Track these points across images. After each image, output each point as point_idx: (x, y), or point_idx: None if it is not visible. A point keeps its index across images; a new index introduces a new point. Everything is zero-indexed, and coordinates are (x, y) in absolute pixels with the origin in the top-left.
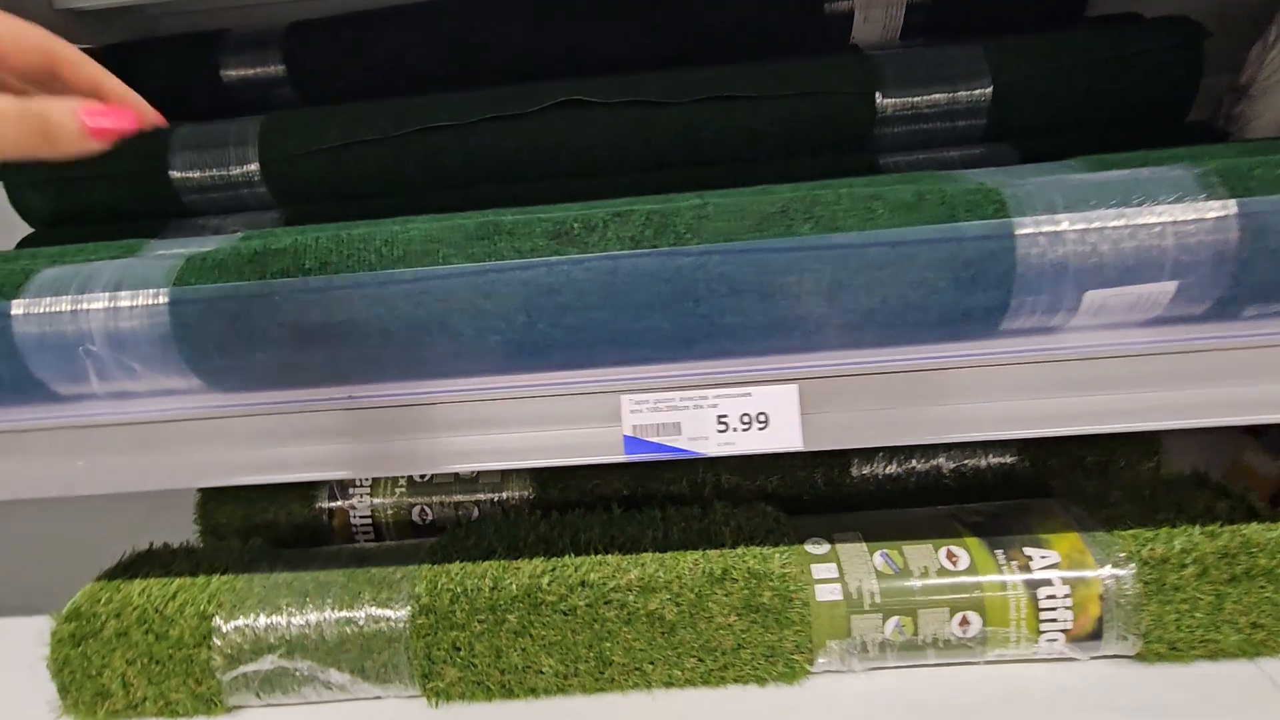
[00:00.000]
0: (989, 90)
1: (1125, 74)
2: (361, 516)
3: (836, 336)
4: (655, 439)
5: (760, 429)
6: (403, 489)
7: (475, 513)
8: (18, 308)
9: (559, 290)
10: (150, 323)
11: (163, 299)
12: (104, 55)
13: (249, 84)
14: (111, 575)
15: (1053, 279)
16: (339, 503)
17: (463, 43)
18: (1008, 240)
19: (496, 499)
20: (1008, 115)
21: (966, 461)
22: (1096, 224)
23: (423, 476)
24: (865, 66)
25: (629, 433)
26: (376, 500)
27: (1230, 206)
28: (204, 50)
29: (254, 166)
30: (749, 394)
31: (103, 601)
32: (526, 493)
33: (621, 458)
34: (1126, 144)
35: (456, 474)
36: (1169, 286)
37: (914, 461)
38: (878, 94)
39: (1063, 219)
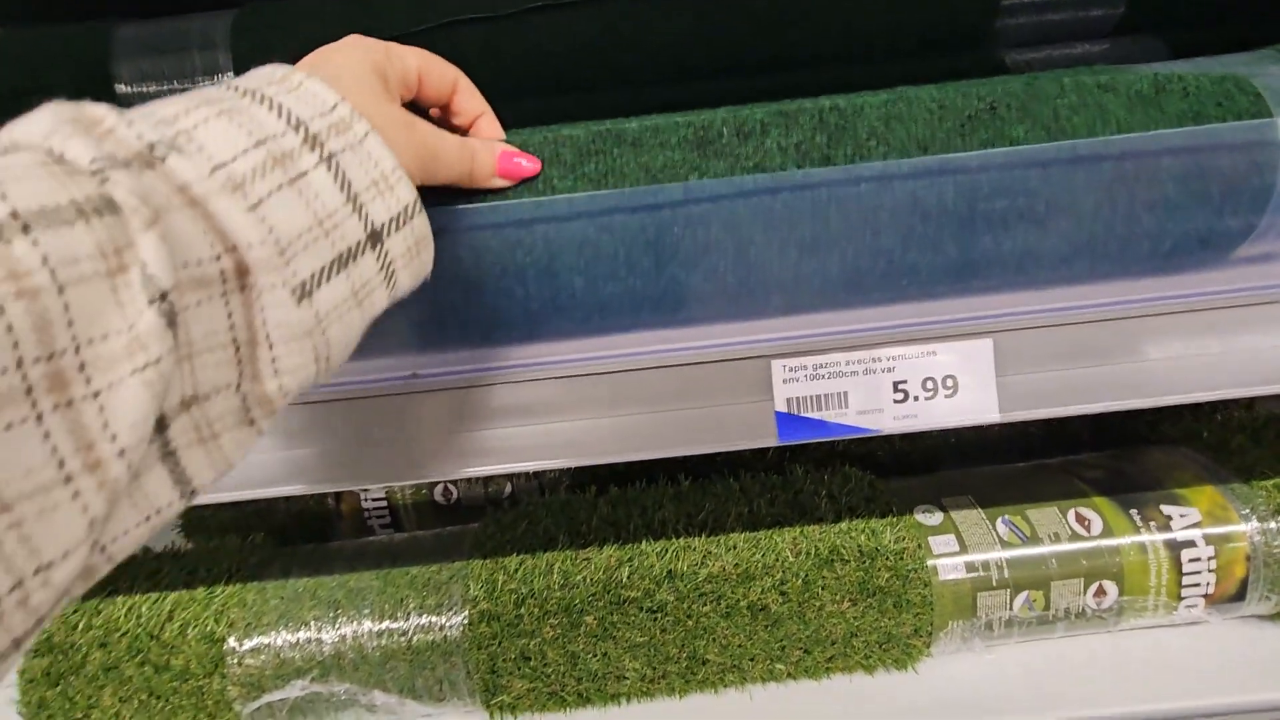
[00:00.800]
0: None
1: None
2: (375, 500)
3: (1043, 275)
4: (816, 414)
5: (948, 395)
6: None
7: (508, 489)
8: None
9: (704, 222)
10: None
11: None
12: None
13: None
14: (85, 593)
15: None
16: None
17: None
18: (1274, 146)
19: (532, 473)
20: (1150, 2)
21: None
22: None
23: None
24: None
25: (782, 408)
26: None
27: None
28: None
29: (227, 77)
30: (934, 352)
31: (80, 628)
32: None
33: (773, 442)
34: (1271, 38)
35: None
36: None
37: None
38: None
39: None
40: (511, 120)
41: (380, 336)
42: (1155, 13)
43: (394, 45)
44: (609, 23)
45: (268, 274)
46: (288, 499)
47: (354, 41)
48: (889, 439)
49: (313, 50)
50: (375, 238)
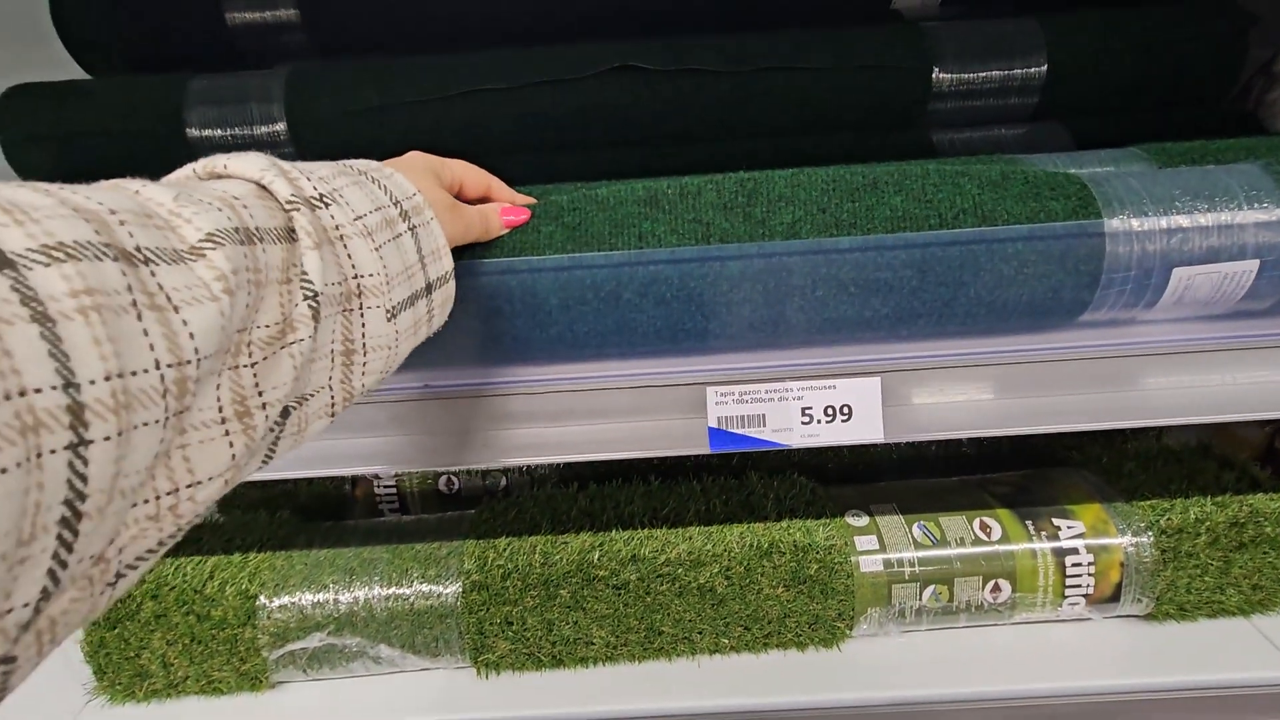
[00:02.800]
0: (1044, 68)
1: (1173, 56)
2: (386, 487)
3: (920, 328)
4: (740, 430)
5: (844, 421)
6: None
7: (503, 482)
8: None
9: (659, 281)
10: None
11: None
12: None
13: (255, 29)
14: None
15: (1139, 275)
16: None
17: None
18: (1098, 237)
19: (525, 468)
20: (1060, 94)
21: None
22: (1183, 221)
23: None
24: (923, 40)
25: (714, 425)
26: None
27: None
28: None
29: (280, 126)
30: (833, 386)
31: (130, 587)
32: (555, 463)
33: (705, 450)
34: (1170, 127)
35: None
36: (1252, 265)
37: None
38: (935, 69)
39: (1150, 216)
40: (516, 170)
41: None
42: (1062, 105)
43: (446, 160)
44: (601, 96)
45: (375, 297)
46: (310, 483)
47: (417, 154)
48: (838, 453)
49: (350, 103)
50: (429, 289)
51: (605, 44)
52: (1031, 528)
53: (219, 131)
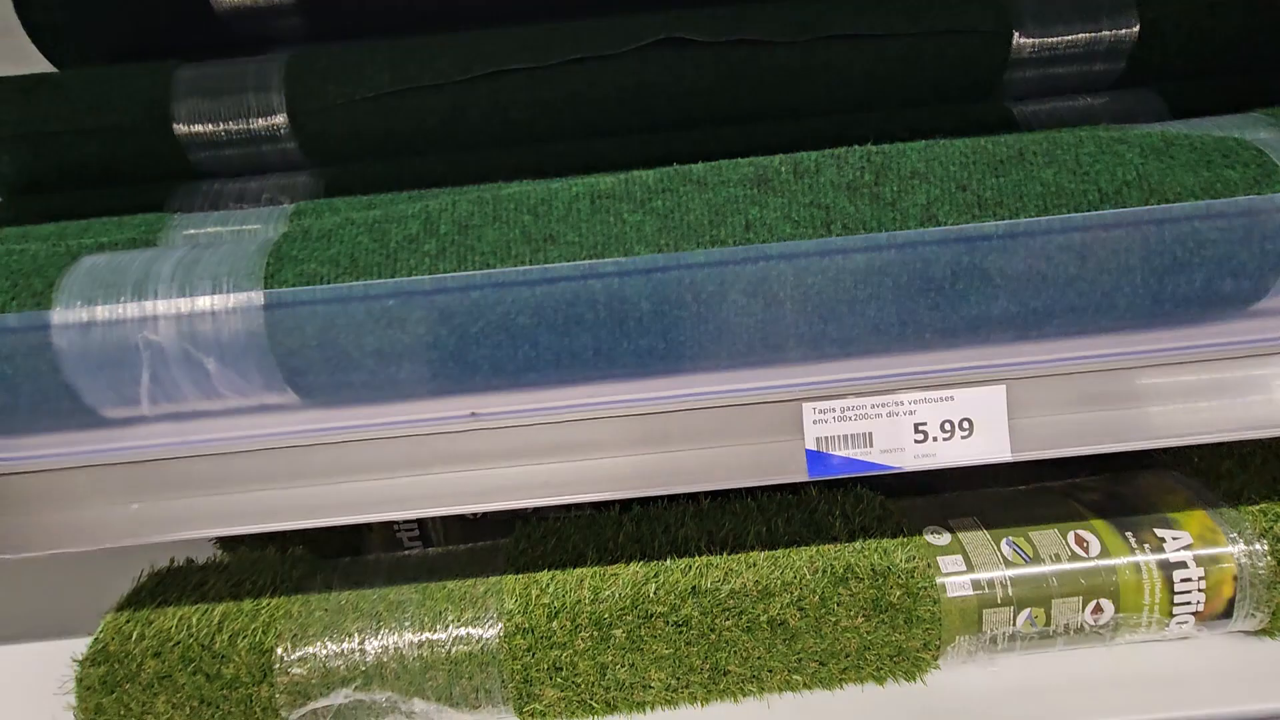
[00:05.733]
0: (1135, 29)
1: (1264, 12)
2: (408, 522)
3: (1071, 324)
4: (843, 453)
5: (964, 436)
6: None
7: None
8: (60, 315)
9: (771, 280)
10: (240, 330)
11: (258, 300)
12: None
13: (245, 13)
14: (134, 603)
15: None
16: None
17: None
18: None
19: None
20: (1153, 57)
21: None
22: None
23: None
24: (1001, 1)
25: (812, 446)
26: None
27: None
28: None
29: (280, 118)
30: (951, 397)
31: (134, 638)
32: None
33: (803, 478)
34: (1263, 91)
35: None
36: None
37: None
38: (1015, 33)
39: None
40: (548, 161)
41: (442, 380)
42: (1152, 69)
43: None
44: (641, 74)
45: None
46: None
47: None
48: None
49: (360, 89)
50: None
51: (645, 15)
52: (1132, 540)
53: (211, 126)
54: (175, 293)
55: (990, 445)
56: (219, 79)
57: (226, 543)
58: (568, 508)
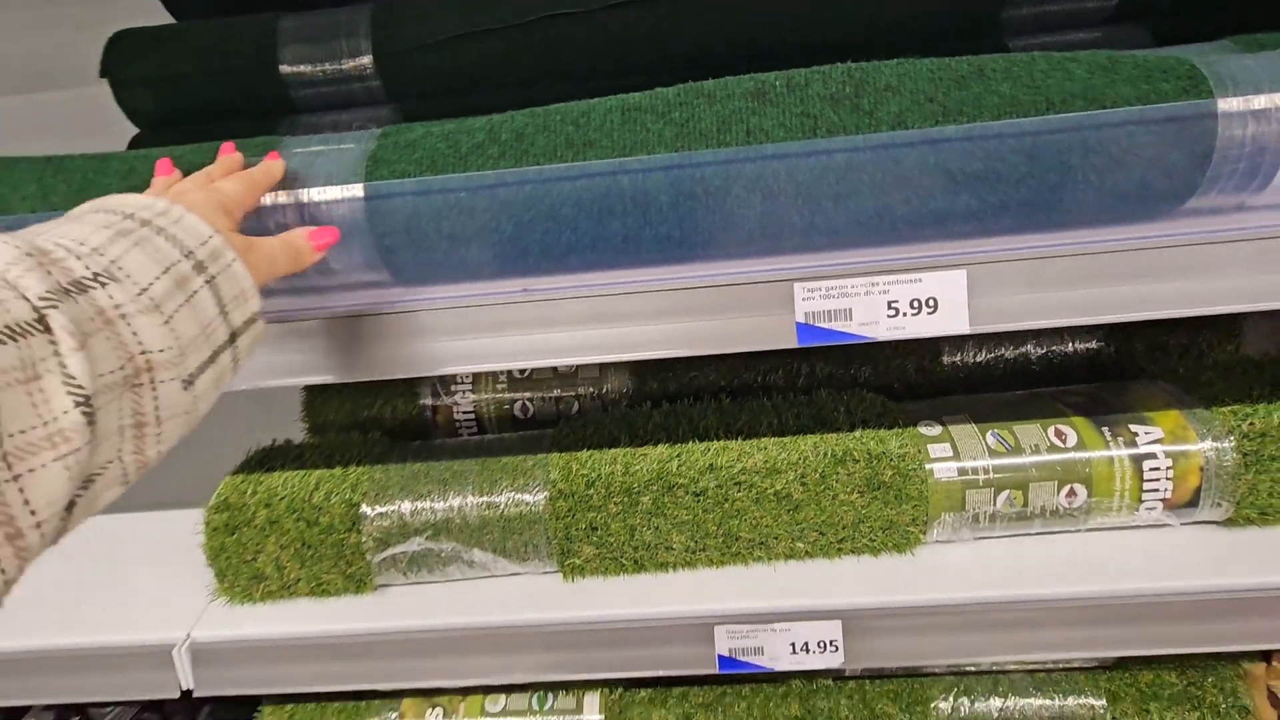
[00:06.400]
0: None
1: None
2: (465, 413)
3: (1023, 218)
4: (827, 325)
5: (930, 313)
6: (503, 385)
7: (576, 407)
8: None
9: (768, 176)
10: (346, 216)
11: (359, 192)
12: None
13: None
14: (247, 469)
15: (1252, 153)
16: (443, 400)
17: None
18: (1211, 117)
19: (596, 393)
20: None
21: (1054, 348)
22: None
23: (523, 372)
24: None
25: (801, 319)
26: (479, 396)
27: None
28: None
29: (366, 60)
30: (919, 280)
31: (249, 493)
32: (625, 387)
33: (793, 344)
34: (1259, 25)
35: (555, 369)
36: None
37: (1003, 349)
38: None
39: (1264, 94)
40: (595, 95)
41: (501, 261)
42: (1142, 4)
43: (218, 184)
44: (673, 19)
45: (168, 370)
46: (392, 409)
47: (191, 186)
48: (904, 371)
49: (433, 33)
50: (233, 338)
51: None
52: (1108, 434)
53: (309, 67)
54: (297, 187)
55: (952, 320)
56: (315, 27)
57: (316, 428)
58: (605, 408)
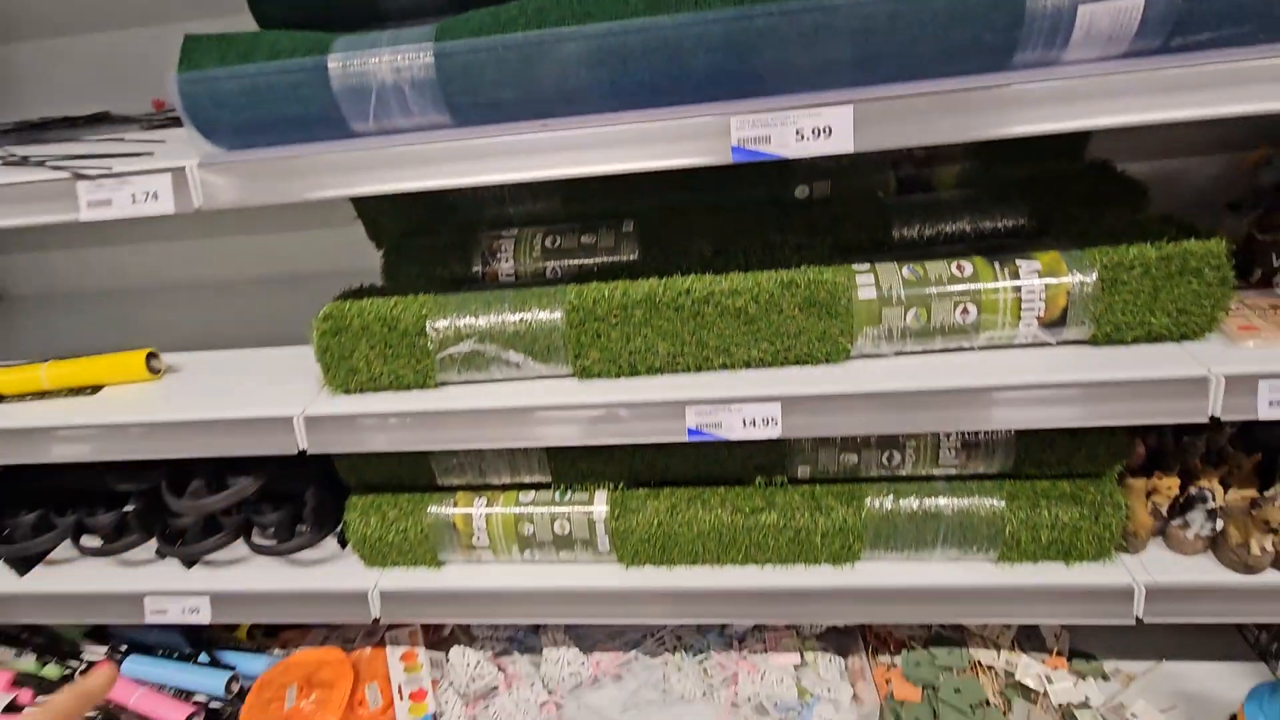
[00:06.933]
0: None
1: None
2: (507, 275)
3: (884, 70)
4: (753, 148)
5: (826, 138)
6: (538, 253)
7: (595, 269)
8: (333, 62)
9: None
10: (420, 70)
11: (430, 49)
12: None
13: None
14: (342, 298)
15: (1054, 14)
16: (490, 266)
17: None
18: None
19: (609, 261)
20: None
21: (986, 223)
22: None
23: (554, 243)
24: None
25: (735, 144)
26: (518, 264)
27: None
28: None
29: None
30: (819, 114)
31: (346, 309)
32: (634, 256)
33: (728, 160)
34: None
35: (580, 241)
36: (1138, 2)
37: (944, 225)
38: None
39: None
40: None
41: (528, 105)
42: None
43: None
44: None
45: None
46: (450, 272)
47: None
48: (859, 245)
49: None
50: None
51: None
52: (998, 267)
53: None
54: (386, 48)
55: (841, 143)
56: None
57: (390, 279)
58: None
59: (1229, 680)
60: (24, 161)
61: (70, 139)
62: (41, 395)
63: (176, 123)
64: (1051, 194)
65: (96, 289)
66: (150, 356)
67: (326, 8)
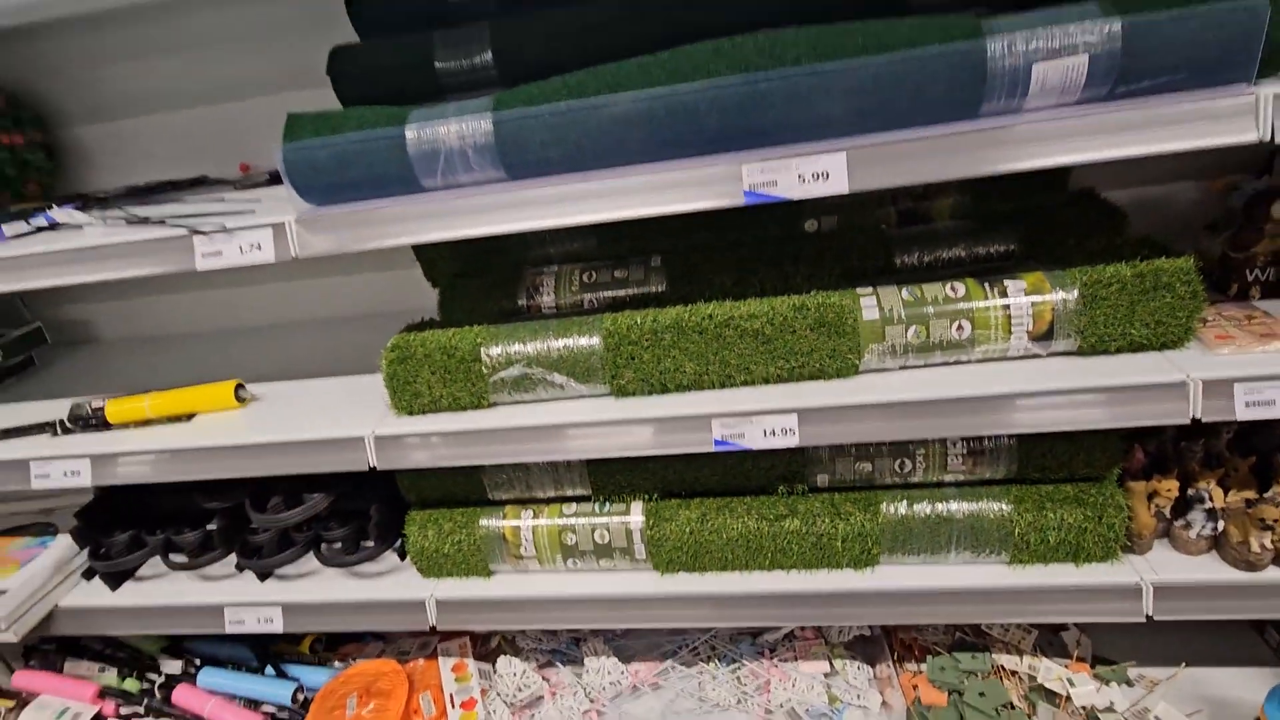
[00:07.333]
0: None
1: None
2: (549, 307)
3: (874, 123)
4: (759, 190)
5: (824, 180)
6: (576, 287)
7: (628, 300)
8: (409, 131)
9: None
10: (480, 135)
11: (489, 119)
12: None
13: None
14: (406, 331)
15: (1012, 71)
16: (534, 300)
17: None
18: (979, 55)
19: (639, 293)
20: None
21: (979, 250)
22: (1039, 35)
23: (590, 277)
24: None
25: (747, 189)
26: (559, 298)
27: (1115, 24)
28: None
29: (488, 55)
30: (817, 160)
31: (410, 340)
32: (662, 288)
33: (741, 202)
34: None
35: (614, 275)
36: (1083, 60)
37: (941, 252)
38: None
39: (1018, 33)
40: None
41: (571, 160)
42: None
43: None
44: (672, 19)
45: None
46: (499, 307)
47: None
48: (864, 272)
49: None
50: None
51: None
52: (988, 287)
53: (453, 63)
54: (453, 118)
55: (838, 185)
56: (456, 37)
57: (446, 314)
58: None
59: (1251, 683)
60: (144, 221)
61: (175, 200)
62: (145, 423)
63: (265, 183)
64: (1038, 222)
65: (179, 332)
66: (238, 387)
67: (396, 85)
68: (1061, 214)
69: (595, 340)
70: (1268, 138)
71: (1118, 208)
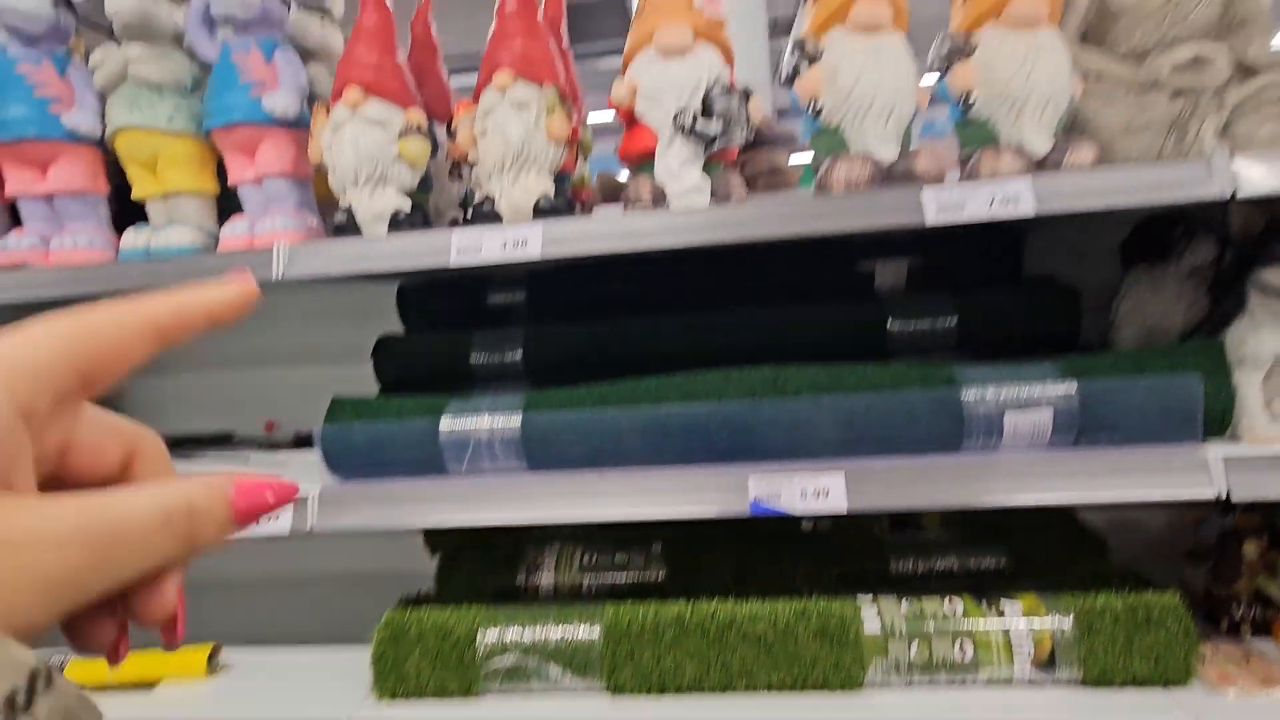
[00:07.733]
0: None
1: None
2: (547, 587)
3: (867, 448)
4: (766, 504)
5: (824, 498)
6: (575, 569)
7: (627, 586)
8: (444, 423)
9: (736, 420)
10: (508, 433)
11: (518, 419)
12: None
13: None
14: (401, 606)
15: (987, 418)
16: (532, 579)
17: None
18: (957, 402)
19: (639, 577)
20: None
21: (970, 562)
22: (1009, 388)
23: (590, 559)
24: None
25: (753, 499)
26: (558, 578)
27: (1072, 385)
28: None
29: (518, 355)
30: (819, 477)
31: (404, 619)
32: (661, 576)
33: (748, 505)
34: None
35: (614, 558)
36: (1048, 414)
37: (935, 562)
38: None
39: (991, 386)
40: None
41: (589, 458)
42: (977, 337)
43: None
44: (690, 346)
45: None
46: (498, 585)
47: None
48: (862, 577)
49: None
50: None
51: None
52: (985, 605)
53: (486, 359)
54: (486, 413)
55: (837, 503)
56: (490, 338)
57: (443, 586)
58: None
59: None
60: None
61: (198, 456)
62: (102, 688)
63: (290, 443)
64: (1023, 538)
65: None
66: (213, 654)
67: (432, 373)
68: (1045, 533)
69: (595, 632)
70: (1223, 495)
71: (1098, 534)
